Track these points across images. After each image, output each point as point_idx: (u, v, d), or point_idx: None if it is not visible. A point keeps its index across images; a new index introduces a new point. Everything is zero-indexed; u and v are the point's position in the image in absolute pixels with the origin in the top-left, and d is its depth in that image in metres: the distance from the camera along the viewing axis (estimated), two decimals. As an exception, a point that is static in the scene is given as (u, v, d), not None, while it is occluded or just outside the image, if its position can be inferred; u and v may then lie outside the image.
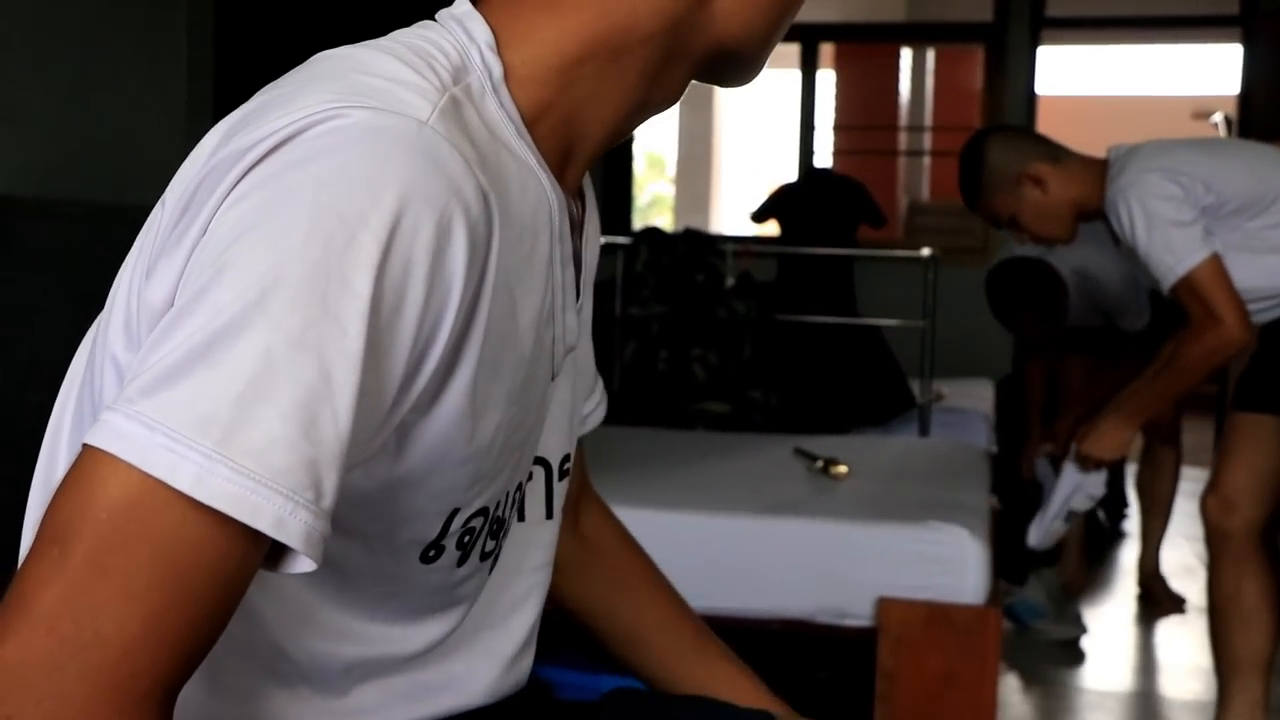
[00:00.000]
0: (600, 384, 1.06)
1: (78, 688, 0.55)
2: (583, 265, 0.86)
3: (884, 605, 2.35)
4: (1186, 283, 2.41)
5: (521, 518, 0.88)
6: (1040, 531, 2.80)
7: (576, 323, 0.84)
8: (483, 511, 0.79)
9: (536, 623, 0.94)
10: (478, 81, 0.74)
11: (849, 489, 2.71)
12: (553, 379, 0.84)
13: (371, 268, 0.61)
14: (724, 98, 10.50)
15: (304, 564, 0.62)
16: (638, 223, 13.10)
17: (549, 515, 0.91)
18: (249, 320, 0.59)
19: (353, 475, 0.68)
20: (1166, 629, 3.73)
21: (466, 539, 0.79)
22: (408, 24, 0.78)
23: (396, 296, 0.63)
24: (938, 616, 2.34)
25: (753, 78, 0.86)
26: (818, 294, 4.36)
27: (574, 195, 0.83)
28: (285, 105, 0.66)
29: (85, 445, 0.59)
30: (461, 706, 0.87)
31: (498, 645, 0.90)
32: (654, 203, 14.38)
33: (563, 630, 1.15)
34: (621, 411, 3.80)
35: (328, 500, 0.61)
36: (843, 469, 2.78)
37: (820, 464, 2.82)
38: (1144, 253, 2.46)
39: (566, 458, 0.91)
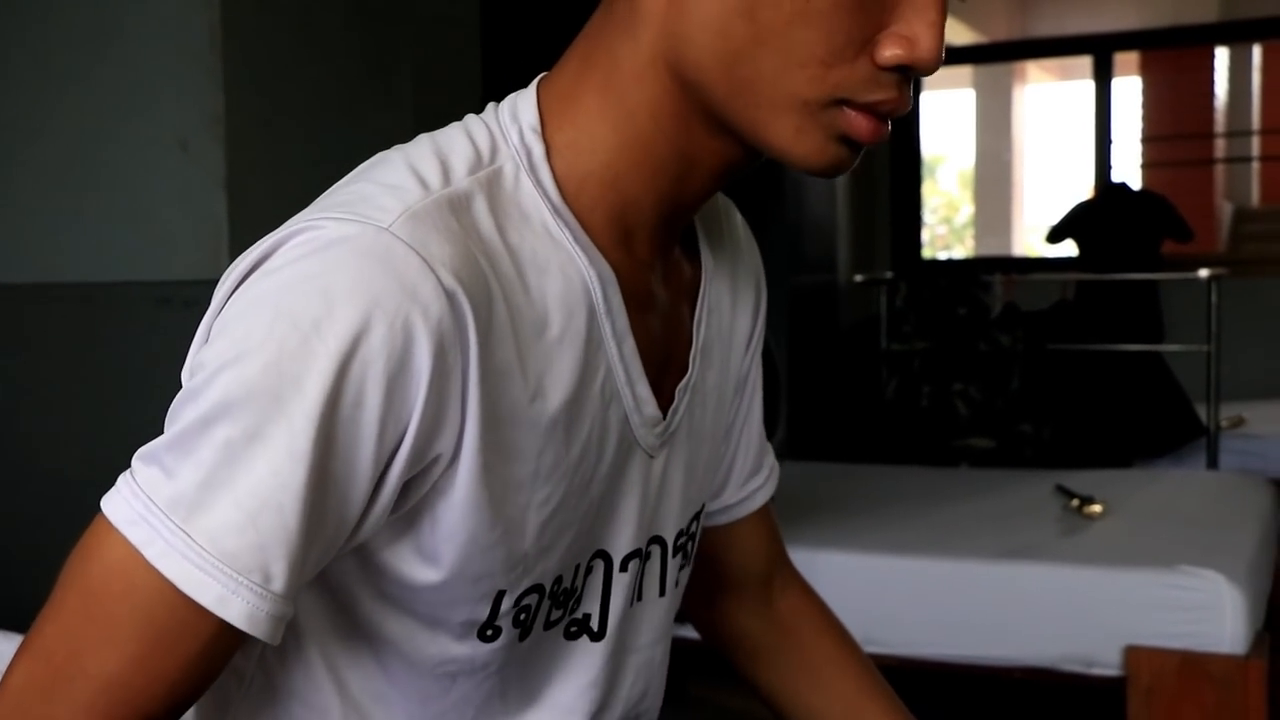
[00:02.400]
0: (770, 458, 1.05)
1: (64, 712, 0.66)
2: (699, 333, 0.86)
3: (1132, 654, 2.21)
4: None
5: (640, 597, 0.88)
6: None
7: (649, 396, 0.82)
8: (536, 589, 0.79)
9: (647, 698, 0.94)
10: (510, 166, 0.75)
11: (1101, 530, 2.57)
12: (651, 458, 0.84)
13: (322, 372, 0.66)
14: (1021, 113, 10.11)
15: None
16: (955, 246, 12.75)
17: (661, 593, 0.91)
18: (217, 415, 0.66)
19: (385, 557, 0.75)
20: None
21: (522, 616, 0.80)
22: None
23: (355, 396, 0.67)
24: (1192, 667, 2.19)
25: (774, 141, 0.73)
26: (1121, 316, 4.15)
27: (649, 262, 0.81)
28: (288, 223, 0.72)
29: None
30: None
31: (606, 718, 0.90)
32: (970, 223, 13.94)
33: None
34: (885, 449, 3.74)
35: (278, 584, 0.67)
36: (1097, 508, 2.64)
37: (1075, 503, 2.69)
38: None
39: (681, 534, 0.91)
